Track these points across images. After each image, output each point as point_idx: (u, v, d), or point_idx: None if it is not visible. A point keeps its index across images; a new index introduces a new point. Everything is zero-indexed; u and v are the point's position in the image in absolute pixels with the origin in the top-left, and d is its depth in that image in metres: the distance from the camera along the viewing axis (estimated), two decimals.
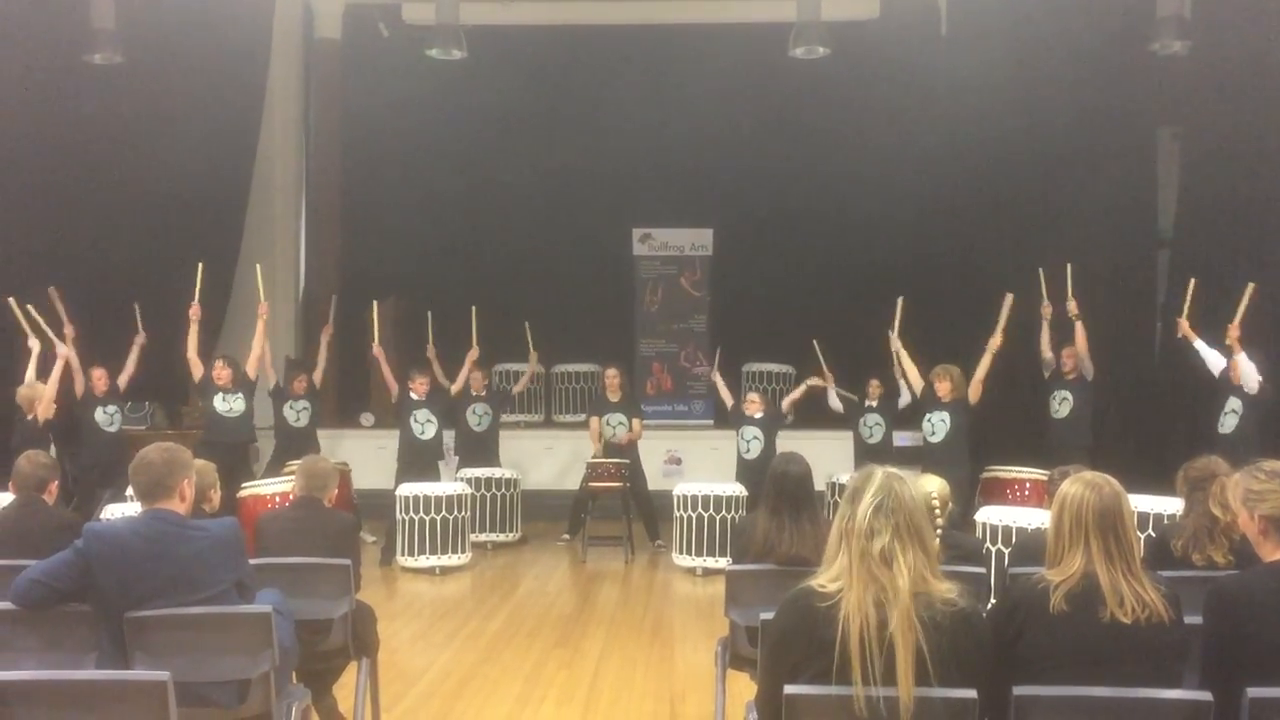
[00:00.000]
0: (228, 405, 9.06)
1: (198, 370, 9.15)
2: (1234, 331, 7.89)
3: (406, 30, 12.21)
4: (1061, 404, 9.24)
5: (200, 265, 9.12)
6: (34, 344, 8.64)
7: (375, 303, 10.26)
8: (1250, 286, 8.06)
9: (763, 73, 11.93)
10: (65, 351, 8.66)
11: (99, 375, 9.04)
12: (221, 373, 9.09)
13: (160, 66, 10.78)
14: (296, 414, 9.67)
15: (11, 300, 8.75)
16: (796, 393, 10.18)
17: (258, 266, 9.81)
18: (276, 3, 11.85)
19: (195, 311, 9.04)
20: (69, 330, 9.03)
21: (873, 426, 9.89)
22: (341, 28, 12.87)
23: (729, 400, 10.08)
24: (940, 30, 11.91)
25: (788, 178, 13.01)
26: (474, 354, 10.17)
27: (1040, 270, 9.40)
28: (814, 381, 10.16)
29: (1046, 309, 9.39)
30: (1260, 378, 7.84)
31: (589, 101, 12.81)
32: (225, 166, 11.60)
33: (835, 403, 10.37)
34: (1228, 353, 8.02)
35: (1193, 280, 8.43)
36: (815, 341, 10.26)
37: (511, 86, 12.71)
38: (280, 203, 12.78)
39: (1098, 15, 10.27)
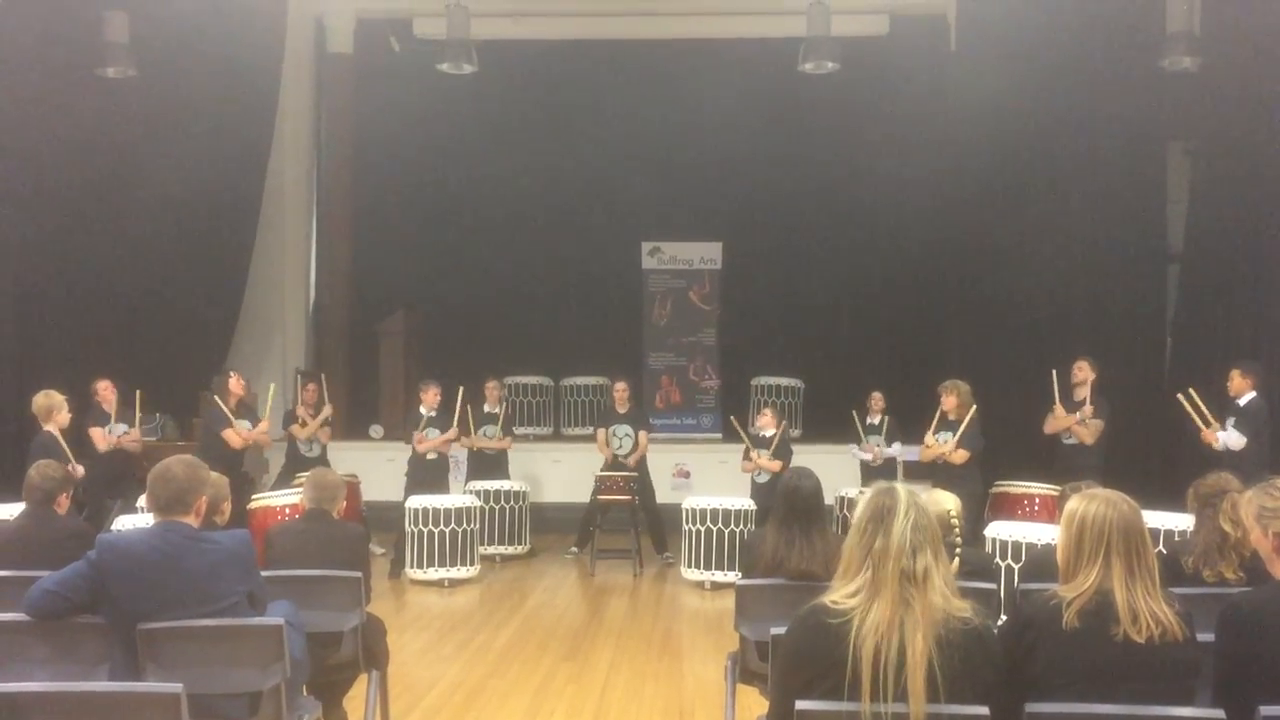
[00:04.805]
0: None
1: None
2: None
3: (418, 45, 12.27)
4: (1070, 436, 9.06)
5: (271, 387, 9.52)
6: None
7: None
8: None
9: (772, 88, 11.98)
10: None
11: (105, 388, 8.81)
12: (237, 387, 8.89)
13: (173, 81, 10.85)
14: (309, 445, 9.67)
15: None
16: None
17: (271, 387, 9.65)
18: (288, 18, 11.92)
19: (237, 384, 8.89)
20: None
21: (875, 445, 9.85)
22: (353, 42, 12.93)
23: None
24: (949, 46, 11.91)
25: (797, 192, 13.06)
26: (453, 434, 9.60)
27: (1053, 371, 8.89)
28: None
29: (1060, 413, 8.90)
30: (1245, 438, 7.84)
31: (599, 116, 12.88)
32: (237, 180, 11.64)
33: (861, 454, 9.97)
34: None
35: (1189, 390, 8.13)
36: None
37: (522, 101, 12.79)
38: (291, 216, 12.83)
39: (1107, 31, 10.29)
